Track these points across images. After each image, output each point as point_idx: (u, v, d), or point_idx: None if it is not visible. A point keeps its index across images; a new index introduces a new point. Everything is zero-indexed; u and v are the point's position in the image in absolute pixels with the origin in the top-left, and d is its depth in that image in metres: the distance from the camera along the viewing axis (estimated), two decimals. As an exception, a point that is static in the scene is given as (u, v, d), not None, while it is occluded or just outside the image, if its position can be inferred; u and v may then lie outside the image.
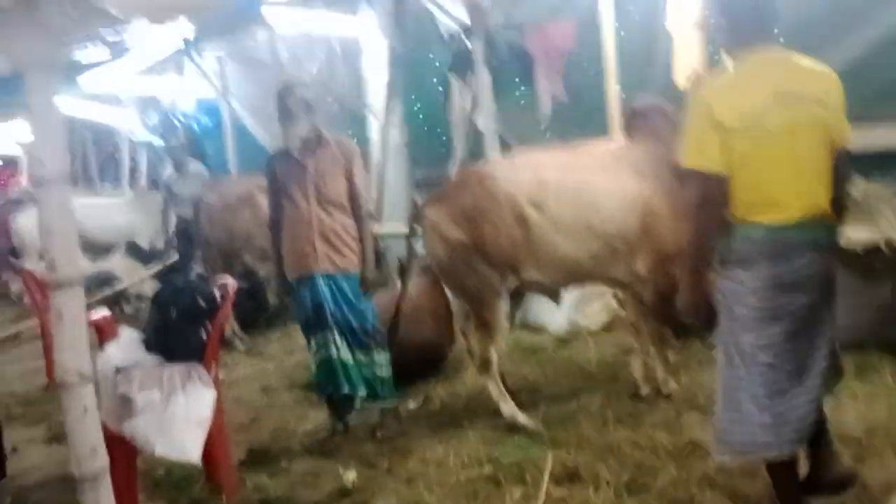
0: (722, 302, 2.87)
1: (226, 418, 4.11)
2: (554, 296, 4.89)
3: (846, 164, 2.83)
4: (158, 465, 4.22)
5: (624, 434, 4.20)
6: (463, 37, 6.43)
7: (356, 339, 4.55)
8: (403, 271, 6.89)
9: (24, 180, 14.43)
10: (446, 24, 7.00)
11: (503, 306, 4.58)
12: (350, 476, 4.05)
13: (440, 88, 7.30)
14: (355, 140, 8.57)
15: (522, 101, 6.53)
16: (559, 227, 4.42)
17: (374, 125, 8.04)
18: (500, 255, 4.43)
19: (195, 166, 8.17)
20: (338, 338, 4.50)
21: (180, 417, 3.53)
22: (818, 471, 3.05)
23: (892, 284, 4.72)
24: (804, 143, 2.71)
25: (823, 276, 2.78)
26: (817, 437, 2.96)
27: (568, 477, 3.77)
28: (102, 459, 2.49)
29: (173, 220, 8.09)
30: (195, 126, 11.26)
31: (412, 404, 5.10)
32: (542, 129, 6.27)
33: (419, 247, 7.31)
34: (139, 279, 9.44)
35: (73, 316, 2.32)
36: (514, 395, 4.67)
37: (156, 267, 9.36)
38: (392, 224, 7.90)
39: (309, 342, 4.62)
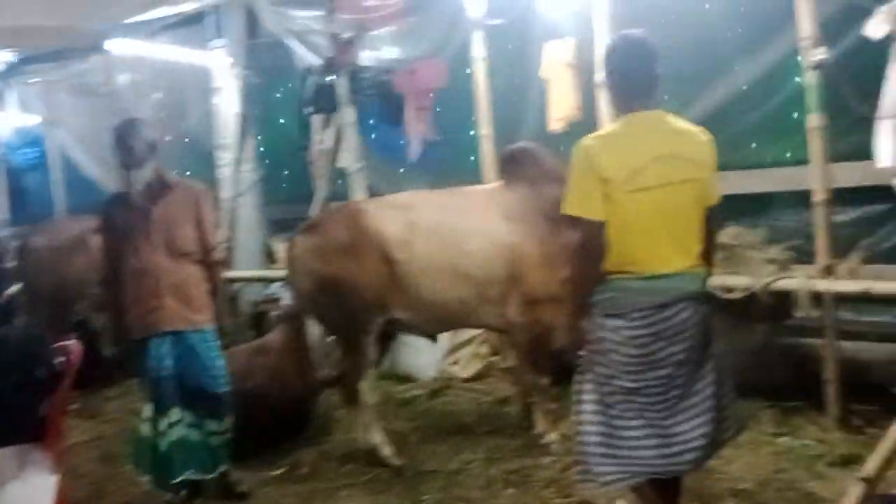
0: (598, 348, 2.91)
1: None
2: (429, 336, 4.86)
3: (716, 218, 3.04)
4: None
5: (512, 496, 4.00)
6: (326, 72, 6.09)
7: (209, 407, 4.12)
8: (259, 319, 6.50)
9: None
10: (305, 57, 6.68)
11: (371, 342, 4.54)
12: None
13: (298, 125, 6.91)
14: (203, 178, 8.21)
15: (391, 142, 6.28)
16: (426, 270, 4.40)
17: (225, 162, 7.52)
18: (368, 293, 4.41)
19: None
20: (188, 413, 4.06)
21: (16, 511, 2.97)
22: None
23: (765, 329, 4.80)
24: (678, 199, 2.84)
25: (699, 323, 2.87)
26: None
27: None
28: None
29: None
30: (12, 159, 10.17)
31: (277, 471, 4.66)
32: (407, 168, 6.05)
33: (278, 289, 6.94)
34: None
35: None
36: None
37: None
38: (244, 268, 7.42)
39: (157, 415, 4.05)
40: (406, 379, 6.07)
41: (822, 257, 4.19)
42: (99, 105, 8.52)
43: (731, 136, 4.73)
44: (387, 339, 5.92)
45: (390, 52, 6.07)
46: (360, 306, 4.43)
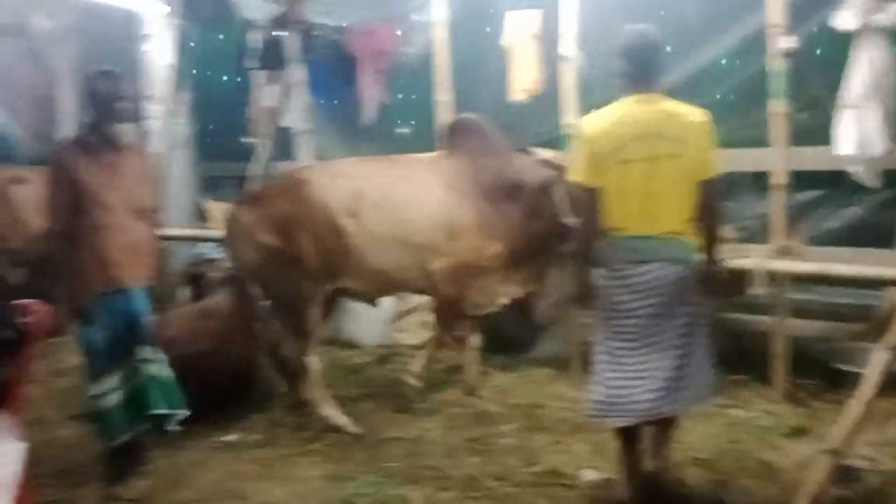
0: (598, 295, 3.39)
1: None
2: (370, 302, 4.93)
3: (711, 193, 3.26)
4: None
5: (477, 464, 4.02)
6: (274, 26, 5.87)
7: (158, 353, 4.12)
8: (195, 281, 6.27)
9: None
10: (247, 9, 6.43)
11: (316, 313, 4.56)
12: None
13: (238, 80, 6.66)
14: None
15: (342, 104, 6.13)
16: (373, 239, 4.44)
17: (155, 115, 7.18)
18: (315, 264, 4.44)
19: None
20: (154, 352, 4.06)
21: (-21, 480, 2.78)
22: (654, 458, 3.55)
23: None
24: (660, 172, 3.19)
25: (673, 283, 3.24)
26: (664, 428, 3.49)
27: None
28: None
29: None
30: None
31: (230, 436, 4.55)
32: (359, 133, 5.93)
33: (210, 249, 6.72)
34: None
35: None
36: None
37: None
38: (174, 226, 7.13)
39: (108, 371, 3.93)
40: (349, 345, 6.01)
41: (778, 237, 4.36)
42: (7, 49, 7.98)
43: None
44: (329, 306, 5.95)
45: (344, 11, 5.88)
46: (306, 277, 4.44)
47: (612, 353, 3.34)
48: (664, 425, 3.49)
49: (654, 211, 3.22)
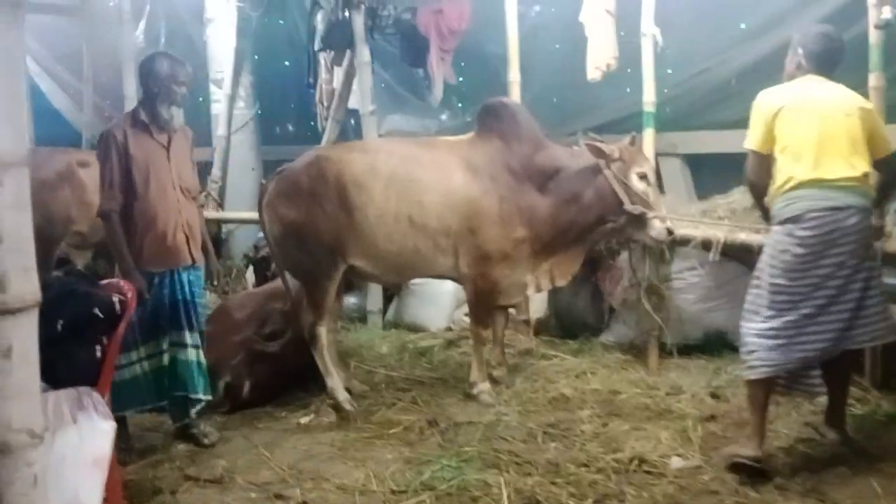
0: (769, 251, 3.48)
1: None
2: (390, 286, 5.04)
3: (889, 167, 3.49)
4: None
5: (558, 450, 3.92)
6: (340, 6, 5.80)
7: (200, 338, 4.21)
8: (257, 263, 6.27)
9: None
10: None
11: (333, 288, 4.56)
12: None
13: (303, 62, 6.62)
14: (198, 114, 7.84)
15: (413, 84, 6.06)
16: (382, 218, 4.40)
17: (219, 98, 7.19)
18: (327, 238, 4.43)
19: None
20: (188, 336, 4.12)
21: (71, 458, 2.77)
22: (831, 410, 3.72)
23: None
24: (845, 126, 3.37)
25: (860, 233, 3.34)
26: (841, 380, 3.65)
27: (528, 506, 3.41)
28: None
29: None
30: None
31: (304, 418, 4.53)
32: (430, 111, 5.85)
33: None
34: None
35: (25, 352, 1.61)
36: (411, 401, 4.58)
37: None
38: (236, 209, 7.16)
39: (135, 345, 4.00)
40: (414, 329, 5.95)
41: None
42: (71, 30, 8.05)
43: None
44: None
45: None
46: (321, 252, 4.45)
47: (773, 308, 3.40)
48: (840, 379, 3.63)
49: (842, 162, 3.34)
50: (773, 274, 3.43)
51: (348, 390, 4.62)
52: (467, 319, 5.84)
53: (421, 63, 5.81)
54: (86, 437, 2.84)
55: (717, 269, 4.82)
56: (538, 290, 4.61)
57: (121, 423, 3.89)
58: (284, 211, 4.51)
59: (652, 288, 4.86)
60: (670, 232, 4.20)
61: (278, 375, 4.76)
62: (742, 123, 5.26)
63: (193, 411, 4.18)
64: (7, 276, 1.55)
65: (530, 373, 4.93)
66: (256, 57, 7.29)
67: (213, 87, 7.28)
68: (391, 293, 6.18)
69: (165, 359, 4.09)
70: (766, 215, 3.67)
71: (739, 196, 4.81)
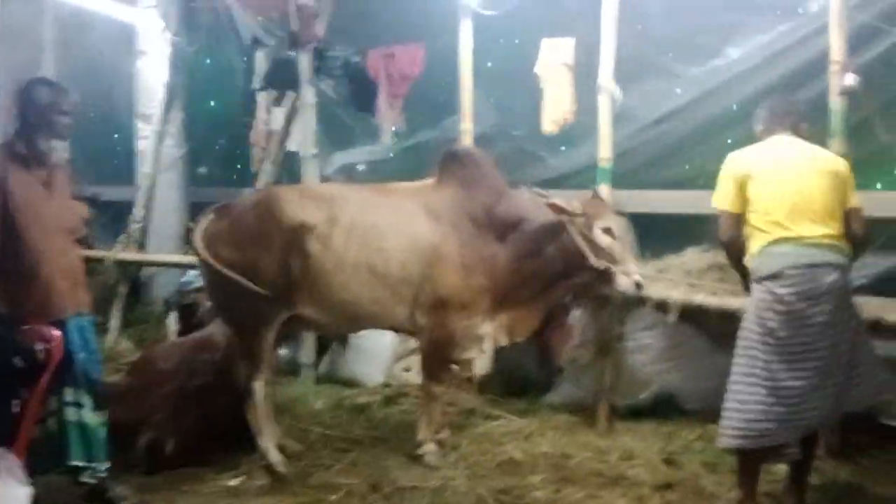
0: (753, 311, 3.41)
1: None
2: (329, 335, 4.82)
3: (858, 219, 3.49)
4: None
5: (514, 518, 3.70)
6: (286, 46, 5.59)
7: (95, 395, 3.74)
8: (187, 311, 5.88)
9: None
10: (251, 28, 6.15)
11: (270, 338, 4.25)
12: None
13: (238, 101, 6.36)
14: (118, 150, 7.44)
15: (357, 129, 5.86)
16: (341, 267, 4.14)
17: (146, 134, 6.83)
18: (274, 285, 4.11)
19: None
20: (84, 395, 3.66)
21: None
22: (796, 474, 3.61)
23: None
24: (818, 185, 3.40)
25: (841, 290, 3.31)
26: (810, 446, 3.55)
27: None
28: None
29: None
30: None
31: (234, 481, 4.16)
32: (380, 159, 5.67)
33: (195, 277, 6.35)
34: None
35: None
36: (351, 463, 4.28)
37: None
38: (159, 251, 6.77)
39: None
40: (350, 384, 5.64)
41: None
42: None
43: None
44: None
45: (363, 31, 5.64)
46: (262, 298, 4.10)
47: (769, 370, 3.32)
48: (810, 446, 3.54)
49: (817, 219, 3.35)
50: (762, 333, 3.36)
51: (282, 449, 4.29)
52: (407, 375, 5.62)
53: (369, 108, 5.62)
54: (-1, 505, 2.49)
55: (672, 331, 4.71)
56: (496, 344, 4.39)
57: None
58: (225, 251, 4.15)
59: (604, 347, 4.72)
60: (639, 286, 4.08)
61: (207, 433, 4.38)
62: (692, 183, 5.35)
63: (84, 480, 3.72)
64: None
65: (476, 434, 4.68)
66: (190, 92, 6.95)
67: (139, 123, 6.91)
68: (325, 345, 5.88)
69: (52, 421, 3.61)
70: (743, 275, 3.61)
71: (692, 256, 4.75)
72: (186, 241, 6.88)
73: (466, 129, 5.12)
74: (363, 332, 5.19)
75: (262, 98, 6.10)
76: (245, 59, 6.28)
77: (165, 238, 6.92)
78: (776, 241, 3.37)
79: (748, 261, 3.52)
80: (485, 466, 4.28)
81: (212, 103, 7.19)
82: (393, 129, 5.56)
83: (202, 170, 7.19)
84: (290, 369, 5.81)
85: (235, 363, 4.34)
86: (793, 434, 3.38)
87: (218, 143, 7.06)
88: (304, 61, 5.50)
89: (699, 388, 4.78)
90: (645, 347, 4.83)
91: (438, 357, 4.34)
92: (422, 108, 5.81)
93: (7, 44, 6.39)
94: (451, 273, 4.17)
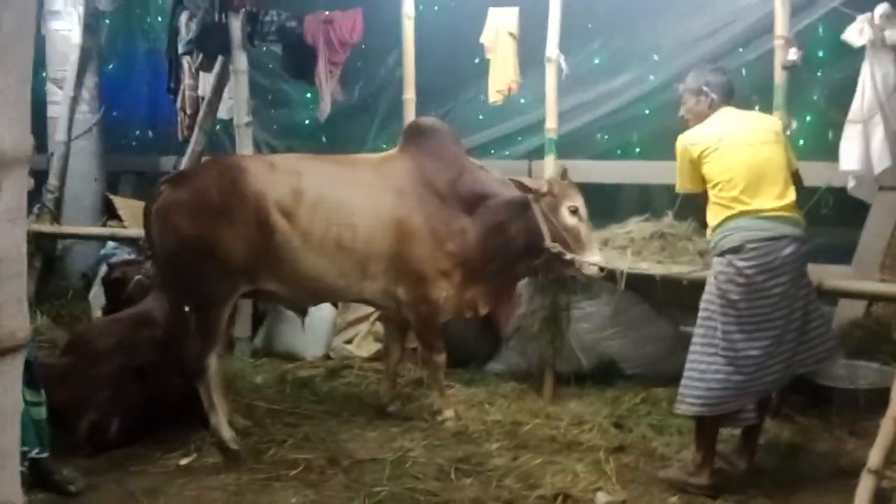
0: (714, 284, 3.50)
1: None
2: (295, 309, 4.68)
3: (798, 179, 3.65)
4: None
5: (476, 488, 3.71)
6: (216, 9, 5.35)
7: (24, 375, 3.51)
8: (115, 286, 5.61)
9: None
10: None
11: (226, 314, 4.13)
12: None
13: (162, 65, 6.07)
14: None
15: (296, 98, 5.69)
16: (307, 242, 4.07)
17: (59, 100, 6.45)
18: (235, 260, 4.00)
19: None
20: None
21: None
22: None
23: (677, 318, 4.92)
24: (770, 155, 3.50)
25: (797, 261, 3.43)
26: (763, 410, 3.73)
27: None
28: None
29: None
30: None
31: (184, 460, 4.04)
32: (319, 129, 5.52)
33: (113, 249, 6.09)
34: None
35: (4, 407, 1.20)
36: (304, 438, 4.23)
37: None
38: (75, 223, 6.45)
39: None
40: (288, 357, 5.54)
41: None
42: None
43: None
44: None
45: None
46: (224, 273, 4.01)
47: (728, 341, 3.43)
48: (763, 409, 3.71)
49: (773, 192, 3.45)
50: (723, 305, 3.46)
51: (230, 426, 4.18)
52: (349, 348, 5.56)
53: (305, 75, 5.46)
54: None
55: (615, 299, 4.82)
56: (461, 316, 4.41)
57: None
58: (182, 223, 3.97)
59: (550, 317, 4.79)
60: (602, 269, 4.17)
61: (151, 412, 4.22)
62: (634, 152, 5.47)
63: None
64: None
65: (426, 405, 4.68)
66: (105, 55, 6.59)
67: (51, 87, 6.52)
68: (259, 318, 5.75)
69: None
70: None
71: (636, 226, 4.86)
72: (105, 212, 6.59)
73: (409, 98, 5.05)
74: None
75: (187, 62, 5.83)
76: (168, 21, 5.95)
77: (82, 209, 6.59)
78: (736, 216, 3.45)
79: (708, 234, 3.62)
80: (440, 436, 4.29)
81: (132, 68, 6.82)
82: (331, 97, 5.40)
83: (125, 137, 6.83)
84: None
85: (181, 339, 4.20)
86: (750, 400, 3.53)
87: (138, 109, 6.72)
88: (236, 26, 5.30)
89: (641, 353, 4.94)
90: (589, 315, 4.91)
91: (429, 329, 4.37)
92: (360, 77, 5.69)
93: None
94: (421, 246, 4.17)
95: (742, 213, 3.44)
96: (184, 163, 5.75)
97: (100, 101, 6.65)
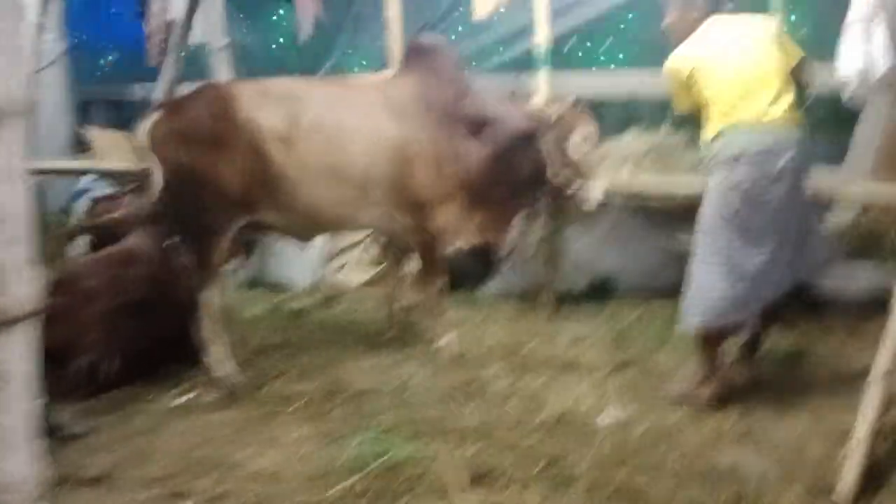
0: (715, 192, 3.44)
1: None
2: (301, 240, 4.48)
3: (807, 69, 3.55)
4: None
5: (480, 413, 3.67)
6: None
7: None
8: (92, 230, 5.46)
9: None
10: None
11: (224, 245, 4.02)
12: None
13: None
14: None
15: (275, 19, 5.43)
16: (304, 171, 3.94)
17: (22, 29, 6.13)
18: (231, 191, 3.88)
19: None
20: None
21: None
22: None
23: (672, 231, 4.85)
24: (765, 59, 3.43)
25: (796, 168, 3.37)
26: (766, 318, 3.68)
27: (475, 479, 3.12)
28: None
29: None
30: None
31: (182, 398, 3.98)
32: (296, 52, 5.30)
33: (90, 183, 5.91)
34: None
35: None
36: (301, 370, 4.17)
37: None
38: (45, 157, 6.22)
39: None
40: (277, 288, 5.47)
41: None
42: None
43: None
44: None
45: None
46: (220, 204, 3.90)
47: (729, 250, 3.39)
48: (766, 318, 3.67)
49: (770, 99, 3.37)
50: (723, 215, 3.41)
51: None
52: (341, 278, 5.49)
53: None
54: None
55: (610, 215, 4.75)
56: (466, 244, 4.32)
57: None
58: (175, 153, 3.85)
59: (547, 237, 4.72)
60: (602, 202, 4.12)
61: (146, 350, 4.14)
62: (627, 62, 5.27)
63: None
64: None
65: (423, 329, 4.64)
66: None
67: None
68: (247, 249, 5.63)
69: None
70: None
71: (632, 140, 4.75)
72: (76, 144, 6.38)
73: (394, 16, 4.85)
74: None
75: (156, -16, 5.54)
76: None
77: (53, 142, 6.37)
78: (734, 125, 3.40)
79: (706, 144, 3.54)
80: (439, 362, 4.26)
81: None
82: (313, 17, 5.15)
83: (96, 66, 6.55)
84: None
85: (176, 274, 4.10)
86: (752, 310, 3.51)
87: (108, 36, 6.42)
88: (207, -59, 5.03)
89: (635, 268, 4.91)
90: (583, 232, 4.85)
91: (432, 254, 4.28)
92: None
93: None
94: (423, 171, 4.05)
95: (739, 123, 3.39)
96: (157, 91, 5.51)
97: (66, 29, 6.34)
